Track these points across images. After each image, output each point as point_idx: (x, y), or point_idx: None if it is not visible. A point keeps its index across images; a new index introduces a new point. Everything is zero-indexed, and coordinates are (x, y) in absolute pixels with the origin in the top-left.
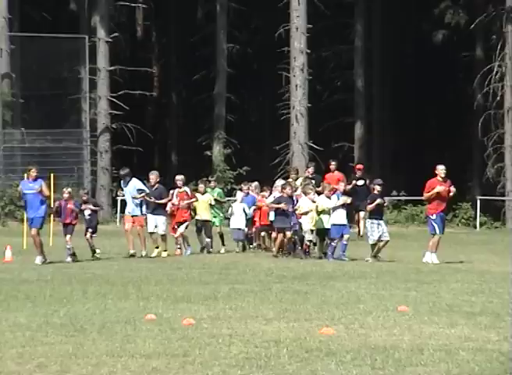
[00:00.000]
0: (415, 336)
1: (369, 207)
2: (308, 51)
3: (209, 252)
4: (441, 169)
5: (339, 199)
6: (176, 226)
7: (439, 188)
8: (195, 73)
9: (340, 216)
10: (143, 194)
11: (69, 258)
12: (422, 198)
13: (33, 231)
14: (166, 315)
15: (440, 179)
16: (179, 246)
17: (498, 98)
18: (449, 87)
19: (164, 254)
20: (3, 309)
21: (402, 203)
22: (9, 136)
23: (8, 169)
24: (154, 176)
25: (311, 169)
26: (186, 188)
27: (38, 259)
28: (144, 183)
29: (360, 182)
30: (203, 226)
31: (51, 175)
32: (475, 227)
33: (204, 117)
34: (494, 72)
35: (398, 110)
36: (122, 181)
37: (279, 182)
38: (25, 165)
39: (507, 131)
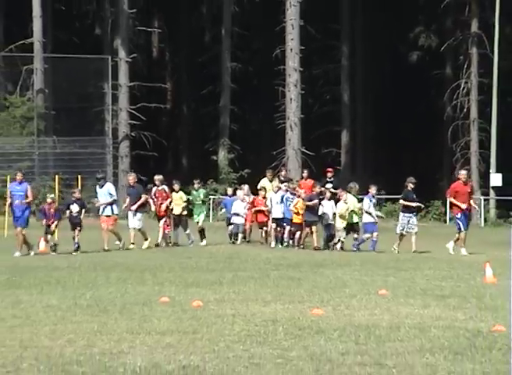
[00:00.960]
0: (393, 316)
1: (403, 202)
2: (301, 69)
3: (192, 242)
4: (463, 174)
5: (371, 202)
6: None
7: (463, 206)
8: (203, 88)
9: (369, 217)
10: (111, 200)
11: (52, 252)
12: (399, 196)
13: (19, 230)
14: (178, 298)
15: (462, 182)
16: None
17: (465, 110)
18: (422, 101)
19: (145, 245)
20: (38, 292)
21: (382, 201)
22: (43, 143)
23: (42, 171)
24: (132, 177)
25: (283, 173)
26: (164, 187)
27: (17, 253)
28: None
29: (329, 185)
30: (179, 221)
31: (79, 176)
32: (445, 222)
33: (210, 126)
34: (461, 88)
35: (378, 120)
36: (97, 185)
37: (263, 182)
38: (57, 168)
39: (473, 139)
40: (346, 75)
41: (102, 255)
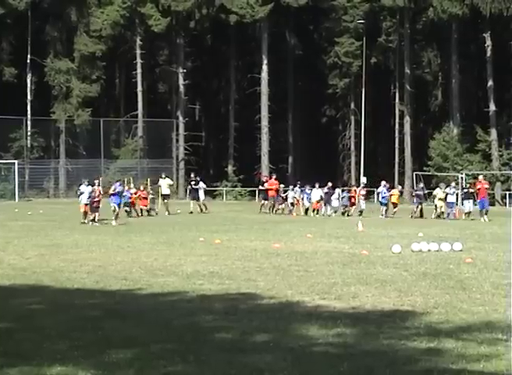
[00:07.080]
0: (314, 246)
1: (463, 194)
2: (268, 126)
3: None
4: (481, 177)
5: (450, 190)
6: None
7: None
8: (220, 135)
9: (452, 198)
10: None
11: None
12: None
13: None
14: (208, 238)
15: (482, 181)
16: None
17: (348, 146)
18: (327, 142)
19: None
20: (139, 235)
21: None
22: (141, 163)
23: (144, 177)
24: (83, 185)
25: (193, 175)
26: (99, 187)
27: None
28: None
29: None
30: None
31: (160, 179)
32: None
33: (224, 154)
34: (347, 136)
35: (308, 151)
36: (81, 185)
37: (197, 184)
38: (148, 175)
39: (352, 160)
40: (291, 129)
41: (172, 217)
